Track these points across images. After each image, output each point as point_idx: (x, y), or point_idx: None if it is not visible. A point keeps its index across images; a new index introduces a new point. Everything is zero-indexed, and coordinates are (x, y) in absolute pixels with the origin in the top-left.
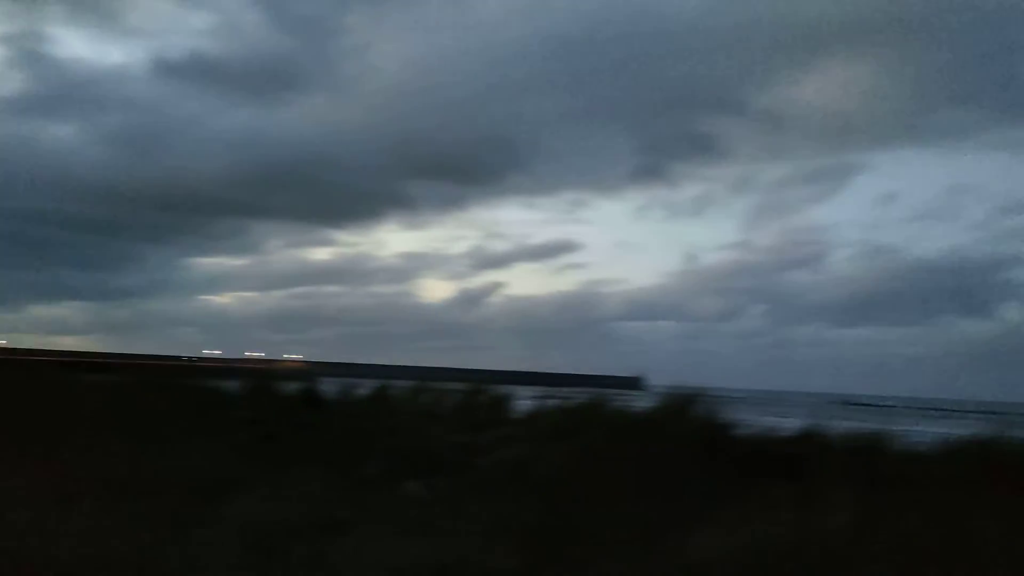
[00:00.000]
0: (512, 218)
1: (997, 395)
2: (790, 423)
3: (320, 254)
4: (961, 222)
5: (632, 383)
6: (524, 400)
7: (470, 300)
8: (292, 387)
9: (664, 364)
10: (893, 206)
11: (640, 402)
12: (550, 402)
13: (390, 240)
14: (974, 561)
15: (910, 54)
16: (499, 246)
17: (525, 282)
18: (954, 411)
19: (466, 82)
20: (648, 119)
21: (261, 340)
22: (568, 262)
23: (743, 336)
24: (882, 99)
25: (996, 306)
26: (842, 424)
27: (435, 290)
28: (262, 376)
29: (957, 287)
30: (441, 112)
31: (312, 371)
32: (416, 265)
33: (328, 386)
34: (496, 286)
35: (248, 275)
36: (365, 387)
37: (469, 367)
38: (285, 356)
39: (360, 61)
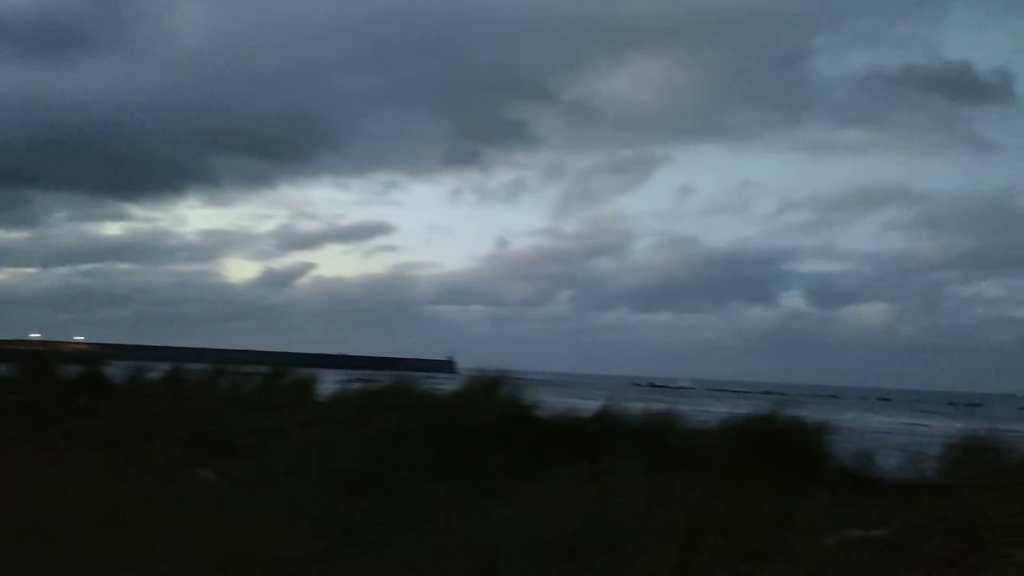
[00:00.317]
0: (322, 198)
1: (779, 377)
2: (590, 404)
3: (111, 229)
4: (749, 216)
5: (444, 366)
6: (330, 383)
7: (278, 281)
8: (75, 370)
9: (475, 347)
10: (691, 198)
11: (449, 385)
12: (356, 385)
13: (191, 216)
14: (748, 526)
15: (709, 55)
16: (309, 226)
17: (336, 263)
18: (741, 392)
19: (275, 55)
20: (462, 104)
21: (41, 321)
22: (380, 244)
23: (551, 320)
24: (683, 96)
25: (778, 295)
26: (639, 405)
27: (240, 270)
28: (40, 359)
29: (745, 276)
30: (247, 84)
31: (100, 354)
32: (219, 243)
33: (118, 370)
34: (305, 267)
35: (27, 250)
36: (159, 370)
37: (276, 350)
38: (70, 338)
39: (159, 24)
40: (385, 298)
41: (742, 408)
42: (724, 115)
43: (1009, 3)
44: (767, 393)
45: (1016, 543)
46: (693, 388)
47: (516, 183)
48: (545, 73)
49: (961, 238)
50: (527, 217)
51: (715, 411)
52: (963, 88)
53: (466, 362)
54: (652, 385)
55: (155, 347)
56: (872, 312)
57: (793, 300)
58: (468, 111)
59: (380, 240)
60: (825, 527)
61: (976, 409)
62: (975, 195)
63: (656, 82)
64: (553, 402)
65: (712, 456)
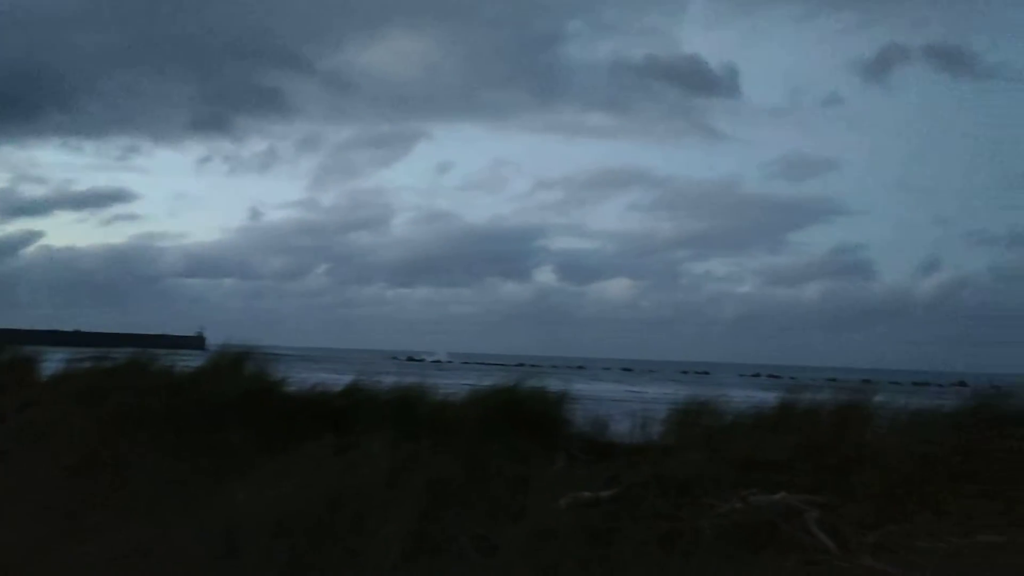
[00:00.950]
0: (51, 160)
1: (533, 349)
2: (342, 378)
3: None
4: (504, 193)
5: (194, 342)
6: (59, 362)
7: None
8: None
9: (228, 323)
10: (449, 175)
11: (195, 361)
12: (88, 363)
13: None
14: (489, 492)
15: (466, 34)
16: (35, 191)
17: (68, 232)
18: (496, 364)
19: None
20: (211, 68)
21: None
22: (120, 213)
23: (308, 294)
24: (440, 73)
25: (531, 270)
26: (392, 378)
27: None
28: None
29: (500, 252)
30: None
31: None
32: None
33: None
34: (31, 235)
35: None
36: None
37: None
38: None
39: None
40: (127, 270)
41: (494, 380)
42: (480, 94)
43: (740, 3)
44: (520, 365)
45: (720, 496)
46: (450, 361)
47: (270, 153)
48: (300, 42)
49: (694, 220)
50: (282, 188)
51: (468, 383)
52: (697, 80)
53: (218, 338)
54: (410, 359)
55: None
56: (617, 288)
57: (545, 276)
58: (217, 76)
59: (120, 208)
60: (560, 490)
61: (704, 377)
62: (707, 181)
63: (414, 58)
64: (304, 377)
65: (459, 426)
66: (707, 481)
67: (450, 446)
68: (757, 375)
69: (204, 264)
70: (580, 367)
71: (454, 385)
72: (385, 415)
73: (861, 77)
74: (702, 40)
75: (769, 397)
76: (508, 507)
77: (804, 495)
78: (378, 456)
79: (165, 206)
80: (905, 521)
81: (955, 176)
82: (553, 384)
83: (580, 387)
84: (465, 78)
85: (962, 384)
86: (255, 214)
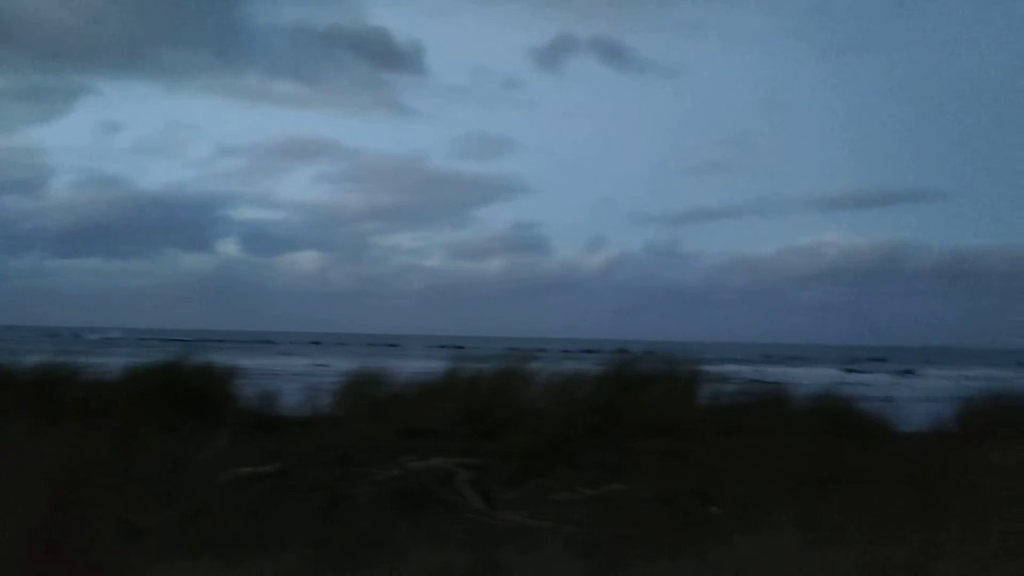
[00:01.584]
0: None
1: (217, 324)
2: None
3: None
4: (183, 159)
5: None
6: None
7: None
8: None
9: None
10: (118, 136)
11: None
12: None
13: None
14: (140, 474)
15: None
16: None
17: None
18: (176, 340)
19: None
20: None
21: None
22: None
23: None
24: (108, 25)
25: (213, 241)
26: (38, 357)
27: None
28: None
29: (179, 222)
30: None
31: None
32: None
33: None
34: None
35: None
36: None
37: None
38: None
39: None
40: None
41: (163, 356)
42: (154, 51)
43: None
44: (202, 340)
45: (380, 463)
46: (122, 338)
47: None
48: None
49: (383, 193)
50: None
51: (134, 360)
52: (383, 54)
53: None
54: (75, 336)
55: None
56: (305, 260)
57: (229, 247)
58: None
59: None
60: (219, 467)
61: (392, 349)
62: (396, 155)
63: (75, 4)
64: None
65: (111, 406)
66: (369, 450)
67: (99, 428)
68: (443, 347)
69: None
70: (268, 341)
71: (116, 363)
72: (23, 397)
73: (537, 63)
74: (389, 14)
75: (443, 367)
76: (160, 488)
77: (458, 458)
78: (11, 442)
79: None
80: (546, 476)
81: (618, 161)
82: (231, 359)
83: (262, 362)
84: (137, 31)
85: (623, 351)
86: None
